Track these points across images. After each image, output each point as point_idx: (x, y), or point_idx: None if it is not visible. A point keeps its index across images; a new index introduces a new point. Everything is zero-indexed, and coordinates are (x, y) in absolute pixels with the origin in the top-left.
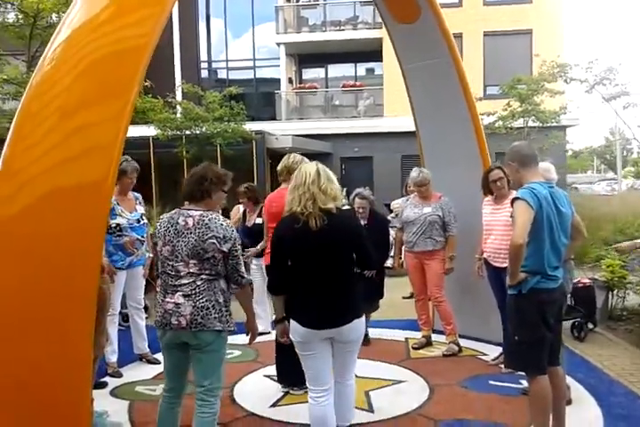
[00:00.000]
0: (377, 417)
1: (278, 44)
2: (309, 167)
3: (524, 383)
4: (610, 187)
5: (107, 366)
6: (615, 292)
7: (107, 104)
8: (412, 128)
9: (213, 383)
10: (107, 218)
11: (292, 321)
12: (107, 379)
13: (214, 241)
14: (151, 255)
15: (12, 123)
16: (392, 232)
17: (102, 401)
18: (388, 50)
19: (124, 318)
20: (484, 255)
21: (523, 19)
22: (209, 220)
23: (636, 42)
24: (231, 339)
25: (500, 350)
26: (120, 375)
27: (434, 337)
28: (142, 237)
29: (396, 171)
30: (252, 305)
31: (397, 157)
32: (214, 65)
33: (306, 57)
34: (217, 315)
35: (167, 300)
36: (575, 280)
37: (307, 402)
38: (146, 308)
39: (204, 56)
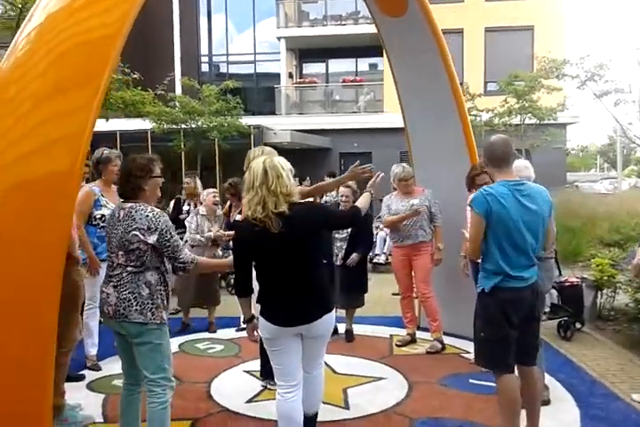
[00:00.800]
0: (352, 414)
1: (279, 39)
2: (256, 167)
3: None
4: (612, 186)
5: (86, 360)
6: (605, 291)
7: (77, 93)
8: None
9: (156, 374)
10: (73, 209)
11: (260, 318)
12: (85, 372)
13: (137, 233)
14: None
15: None
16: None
17: (77, 394)
18: None
19: None
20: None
21: (524, 15)
22: (135, 211)
23: (627, 37)
24: (215, 334)
25: None
26: (99, 369)
27: (419, 335)
28: None
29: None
30: (212, 264)
31: (396, 153)
32: (215, 59)
33: (307, 51)
34: (138, 307)
35: (103, 289)
36: (562, 279)
37: None
38: None
39: (204, 50)
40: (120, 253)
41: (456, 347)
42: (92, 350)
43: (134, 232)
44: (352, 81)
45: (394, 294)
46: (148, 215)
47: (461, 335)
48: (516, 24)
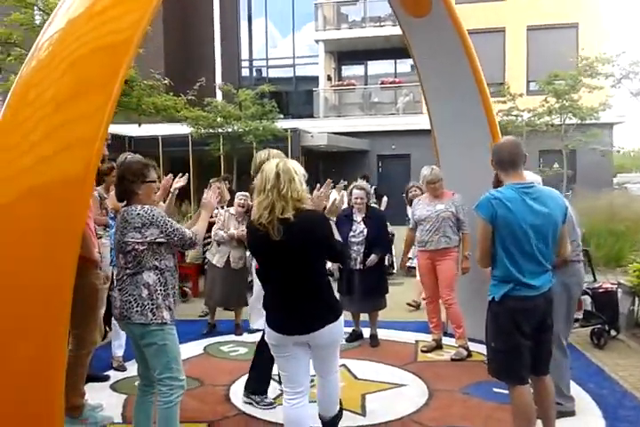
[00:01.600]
0: (367, 421)
1: (317, 42)
2: (269, 169)
3: None
4: None
5: (112, 360)
6: None
7: (92, 97)
8: None
9: (163, 373)
10: (87, 213)
11: (265, 325)
12: (110, 372)
13: (134, 233)
14: None
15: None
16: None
17: (101, 394)
18: None
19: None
20: None
21: (568, 12)
22: (127, 213)
23: None
24: (241, 337)
25: None
26: (124, 369)
27: (445, 340)
28: None
29: None
30: (202, 226)
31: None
32: (255, 63)
33: (345, 54)
34: (139, 308)
35: (112, 293)
36: (596, 285)
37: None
38: None
39: (245, 55)
40: (120, 255)
41: (482, 354)
42: (119, 352)
43: (130, 233)
44: (391, 82)
45: (409, 304)
46: (139, 213)
47: None
48: (559, 22)
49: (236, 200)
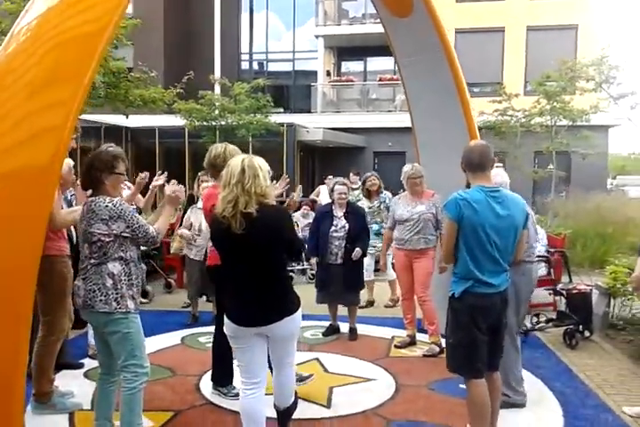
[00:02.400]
0: (331, 413)
1: (317, 37)
2: (235, 165)
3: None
4: None
5: (88, 348)
6: (619, 300)
7: (64, 86)
8: None
9: (127, 360)
10: (52, 199)
11: (224, 316)
12: (85, 360)
13: (100, 224)
14: None
15: None
16: None
17: (73, 381)
18: None
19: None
20: None
21: (568, 14)
22: (94, 204)
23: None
24: (209, 328)
25: None
26: None
27: (419, 337)
28: None
29: None
30: (165, 223)
31: None
32: (255, 57)
33: (345, 50)
34: (103, 297)
35: (75, 282)
36: (570, 286)
37: (271, 394)
38: (147, 293)
39: (245, 48)
40: (85, 245)
41: None
42: (94, 340)
43: (97, 224)
44: (389, 79)
45: (386, 307)
46: (107, 205)
47: None
48: (559, 23)
49: (203, 192)
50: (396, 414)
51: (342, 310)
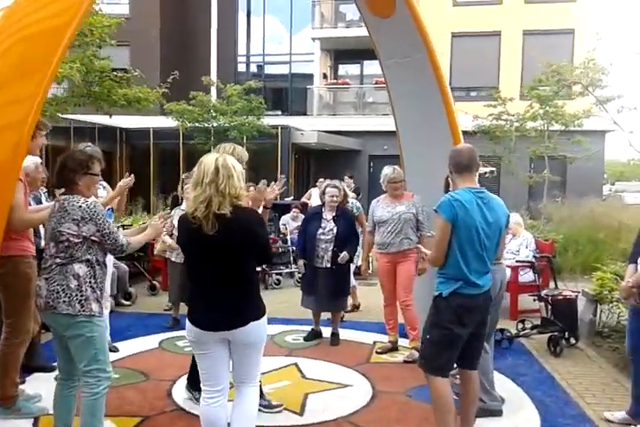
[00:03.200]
0: (303, 421)
1: (313, 39)
2: (208, 163)
3: None
4: None
5: None
6: (606, 306)
7: (24, 82)
8: None
9: (90, 365)
10: (12, 197)
11: (186, 320)
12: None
13: (71, 224)
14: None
15: None
16: None
17: (44, 384)
18: None
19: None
20: None
21: (565, 18)
22: (67, 203)
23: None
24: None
25: None
26: None
27: (402, 342)
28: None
29: None
30: (139, 238)
31: None
32: (252, 59)
33: (342, 53)
34: (66, 299)
35: (37, 282)
36: (555, 292)
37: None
38: (130, 295)
39: (242, 50)
40: (51, 244)
41: None
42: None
43: (67, 224)
44: (385, 82)
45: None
46: (81, 206)
47: None
48: (555, 27)
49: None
50: (369, 422)
51: (326, 314)
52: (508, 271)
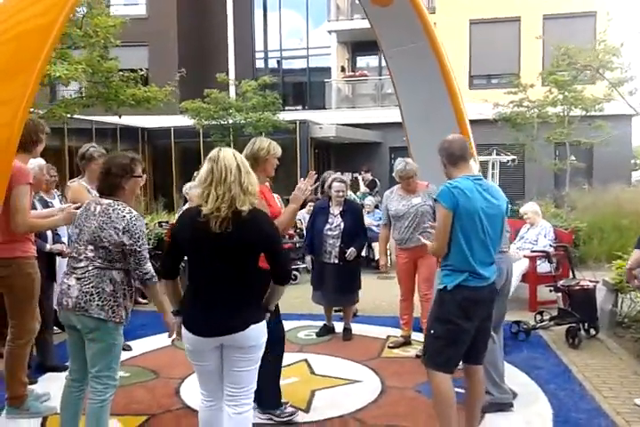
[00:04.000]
0: (308, 418)
1: (330, 32)
2: (230, 161)
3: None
4: None
5: None
6: (629, 296)
7: (8, 84)
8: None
9: (102, 371)
10: (19, 203)
11: (182, 328)
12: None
13: (112, 232)
14: None
15: None
16: None
17: (54, 384)
18: (440, 35)
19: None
20: None
21: (587, 1)
22: (112, 210)
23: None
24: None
25: None
26: None
27: (415, 336)
28: None
29: None
30: (161, 302)
31: None
32: (270, 55)
33: (359, 44)
34: (100, 303)
35: (64, 280)
36: (573, 282)
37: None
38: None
39: (259, 46)
40: (90, 247)
41: None
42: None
43: (109, 231)
44: None
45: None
46: (125, 216)
47: None
48: (576, 10)
49: (191, 192)
50: (376, 418)
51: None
52: (526, 261)
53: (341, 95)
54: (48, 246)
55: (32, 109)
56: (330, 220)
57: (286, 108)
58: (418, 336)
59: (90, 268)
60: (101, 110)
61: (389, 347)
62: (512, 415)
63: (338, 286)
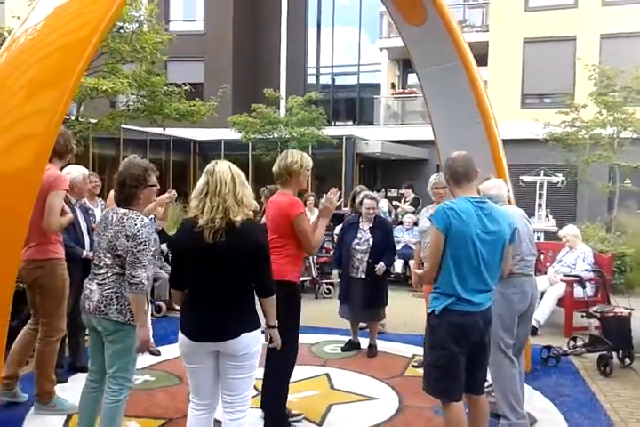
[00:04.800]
0: None
1: (381, 49)
2: (224, 172)
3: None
4: None
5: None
6: None
7: (49, 92)
8: (514, 136)
9: (117, 372)
10: (31, 207)
11: (179, 331)
12: None
13: (124, 240)
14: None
15: None
16: None
17: (81, 384)
18: (493, 54)
19: (157, 308)
20: None
21: None
22: (127, 218)
23: None
24: None
25: None
26: None
27: None
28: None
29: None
30: (140, 314)
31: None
32: (321, 71)
33: (410, 62)
34: (119, 306)
35: (87, 285)
36: (606, 309)
37: None
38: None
39: (311, 62)
40: (108, 255)
41: None
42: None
43: (122, 239)
44: None
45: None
46: (136, 224)
47: None
48: (634, 30)
49: None
50: None
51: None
52: (563, 285)
53: (390, 112)
54: (85, 253)
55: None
56: (359, 235)
57: (337, 123)
58: None
59: (109, 274)
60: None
61: (413, 366)
62: None
63: (364, 301)
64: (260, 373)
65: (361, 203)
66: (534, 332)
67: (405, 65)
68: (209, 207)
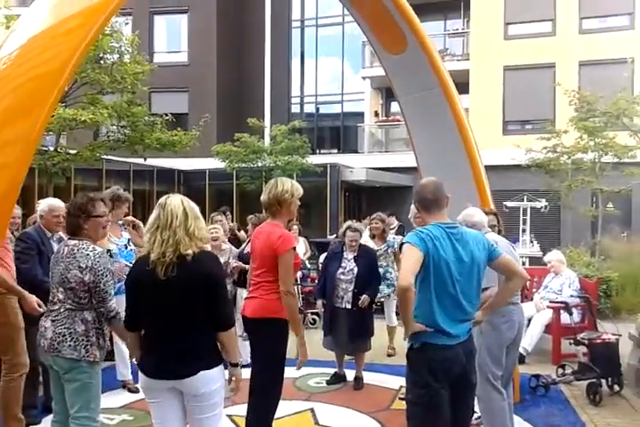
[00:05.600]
0: None
1: (364, 78)
2: (176, 205)
3: None
4: None
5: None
6: None
7: (21, 123)
8: (497, 162)
9: (79, 412)
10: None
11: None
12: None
13: (77, 272)
14: None
15: None
16: None
17: None
18: (474, 82)
19: None
20: None
21: (622, 47)
22: (77, 249)
23: None
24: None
25: None
26: (137, 391)
27: None
28: (130, 263)
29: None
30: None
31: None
32: (305, 100)
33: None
34: (72, 343)
35: (42, 322)
36: (594, 335)
37: None
38: None
39: (295, 92)
40: (60, 289)
41: None
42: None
43: (75, 271)
44: None
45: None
46: (89, 254)
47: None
48: (613, 57)
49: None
50: None
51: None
52: (549, 312)
53: (374, 139)
54: None
55: (43, 148)
56: (343, 264)
57: (321, 151)
58: None
59: (61, 310)
60: (147, 153)
61: (400, 398)
62: None
63: (349, 332)
64: (243, 409)
65: (344, 234)
66: (522, 360)
67: (388, 93)
68: (159, 241)
